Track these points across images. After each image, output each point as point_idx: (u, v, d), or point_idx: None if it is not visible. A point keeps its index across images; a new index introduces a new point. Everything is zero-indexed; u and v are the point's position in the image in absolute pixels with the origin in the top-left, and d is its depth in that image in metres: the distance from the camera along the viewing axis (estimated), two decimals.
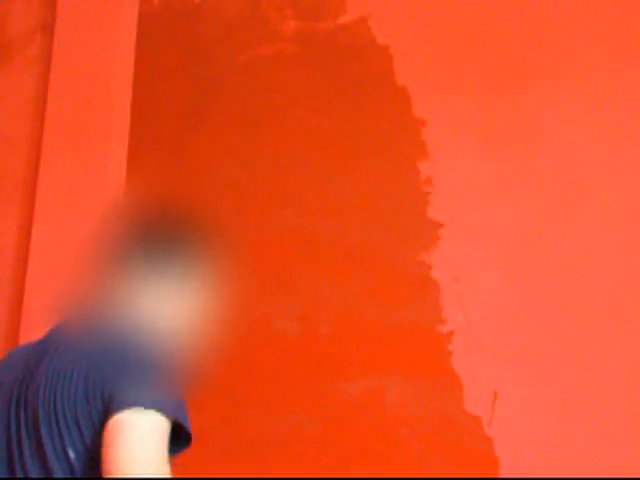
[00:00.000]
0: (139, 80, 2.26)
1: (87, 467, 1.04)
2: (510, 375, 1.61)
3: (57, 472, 1.05)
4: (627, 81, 1.69)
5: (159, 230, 1.30)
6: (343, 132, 1.93)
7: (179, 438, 1.05)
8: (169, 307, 1.24)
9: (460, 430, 1.62)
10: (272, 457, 1.75)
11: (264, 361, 1.82)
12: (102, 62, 2.26)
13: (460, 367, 1.66)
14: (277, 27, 2.11)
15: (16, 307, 2.14)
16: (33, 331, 2.06)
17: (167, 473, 0.97)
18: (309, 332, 1.81)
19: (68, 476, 1.05)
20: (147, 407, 0.99)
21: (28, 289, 2.11)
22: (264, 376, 1.81)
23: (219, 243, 1.32)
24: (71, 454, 1.04)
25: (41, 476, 1.06)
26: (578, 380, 1.56)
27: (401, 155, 1.85)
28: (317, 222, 1.88)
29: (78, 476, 1.04)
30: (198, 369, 1.21)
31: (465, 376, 1.65)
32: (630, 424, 1.51)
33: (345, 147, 1.92)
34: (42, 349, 1.19)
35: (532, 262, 1.67)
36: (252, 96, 2.08)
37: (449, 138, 1.81)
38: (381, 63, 1.93)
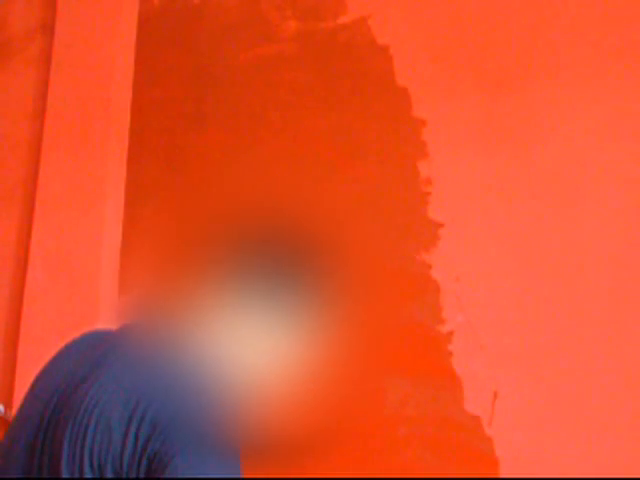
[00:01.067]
0: (139, 80, 2.26)
1: None
2: (510, 375, 1.61)
3: None
4: (624, 82, 1.69)
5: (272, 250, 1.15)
6: (343, 132, 1.93)
7: None
8: (255, 348, 1.10)
9: (460, 430, 1.62)
10: (271, 457, 1.75)
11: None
12: (102, 62, 2.26)
13: (460, 367, 1.65)
14: (277, 27, 2.11)
15: (16, 307, 2.14)
16: (33, 331, 2.06)
17: None
18: (309, 332, 1.80)
19: None
20: None
21: (28, 289, 2.11)
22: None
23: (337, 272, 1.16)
24: None
25: None
26: (578, 380, 1.56)
27: (401, 155, 1.85)
28: (316, 222, 1.88)
29: None
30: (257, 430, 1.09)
31: (465, 376, 1.65)
32: (630, 424, 1.51)
33: (345, 147, 1.92)
34: (98, 357, 1.07)
35: (532, 262, 1.67)
36: (252, 96, 2.07)
37: (449, 138, 1.81)
38: (381, 63, 1.93)
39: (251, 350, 1.14)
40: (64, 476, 0.96)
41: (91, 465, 0.94)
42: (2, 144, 2.38)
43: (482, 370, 1.63)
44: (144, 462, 0.92)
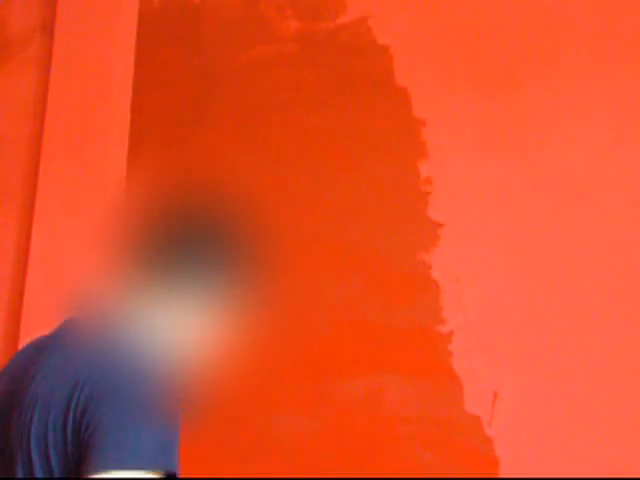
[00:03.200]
0: (139, 80, 2.26)
1: None
2: (510, 375, 1.61)
3: None
4: (622, 81, 1.69)
5: (181, 228, 1.20)
6: (343, 132, 1.93)
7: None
8: (181, 321, 1.12)
9: (460, 430, 1.62)
10: (272, 457, 1.75)
11: (264, 361, 1.82)
12: (102, 62, 2.26)
13: (460, 367, 1.65)
14: (277, 27, 2.11)
15: (16, 307, 2.14)
16: (33, 331, 2.06)
17: None
18: (309, 332, 1.81)
19: None
20: (134, 467, 0.88)
21: (28, 289, 2.11)
22: (264, 376, 1.81)
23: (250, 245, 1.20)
24: None
25: None
26: (578, 380, 1.56)
27: (401, 155, 1.85)
28: (317, 222, 1.88)
29: None
30: (201, 395, 1.12)
31: (465, 376, 1.65)
32: (630, 424, 1.51)
33: (345, 147, 1.92)
34: (37, 356, 1.09)
35: (532, 262, 1.67)
36: (252, 96, 2.07)
37: (449, 138, 1.81)
38: (381, 63, 1.93)
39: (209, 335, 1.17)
40: (18, 475, 0.97)
41: (39, 453, 0.95)
42: (2, 144, 2.38)
43: (482, 370, 1.63)
44: (82, 433, 0.92)
